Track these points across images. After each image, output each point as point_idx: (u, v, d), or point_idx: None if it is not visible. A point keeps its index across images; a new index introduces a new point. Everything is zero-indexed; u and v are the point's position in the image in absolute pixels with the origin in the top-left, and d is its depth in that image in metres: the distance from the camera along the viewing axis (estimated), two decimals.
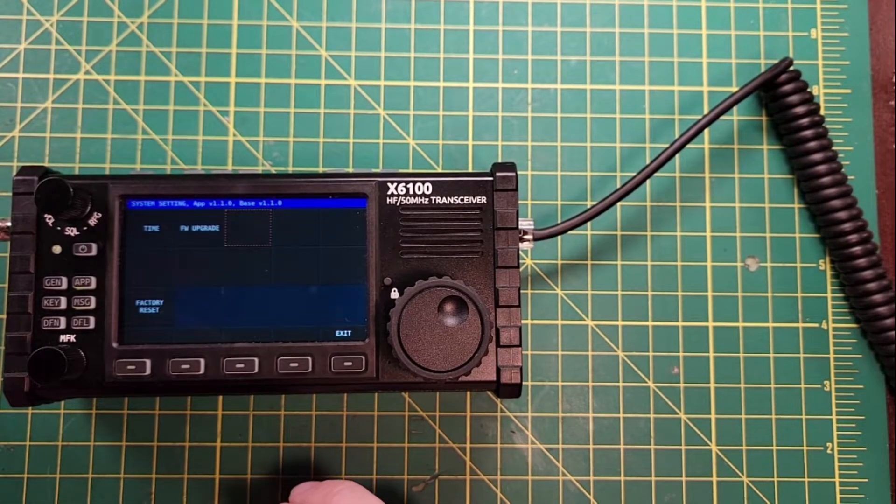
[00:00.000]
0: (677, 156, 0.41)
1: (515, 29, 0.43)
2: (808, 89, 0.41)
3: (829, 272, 0.42)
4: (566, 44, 0.43)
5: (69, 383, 0.33)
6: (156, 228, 0.35)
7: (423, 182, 0.35)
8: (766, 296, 0.42)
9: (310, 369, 0.34)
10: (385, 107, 0.42)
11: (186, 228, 0.35)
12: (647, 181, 0.41)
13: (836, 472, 0.40)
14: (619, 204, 0.40)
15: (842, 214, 0.40)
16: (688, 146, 0.40)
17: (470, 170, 0.42)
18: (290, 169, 0.42)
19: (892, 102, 0.43)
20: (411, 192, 0.35)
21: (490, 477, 0.40)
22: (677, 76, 0.43)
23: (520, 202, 0.39)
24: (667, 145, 0.40)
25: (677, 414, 0.41)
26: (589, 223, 0.40)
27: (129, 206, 0.35)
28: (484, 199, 0.35)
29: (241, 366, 0.34)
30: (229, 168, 0.41)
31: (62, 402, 0.40)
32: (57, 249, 0.34)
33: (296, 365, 0.34)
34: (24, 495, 0.39)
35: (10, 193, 0.34)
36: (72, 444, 0.39)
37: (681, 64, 0.43)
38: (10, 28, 0.42)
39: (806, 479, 0.40)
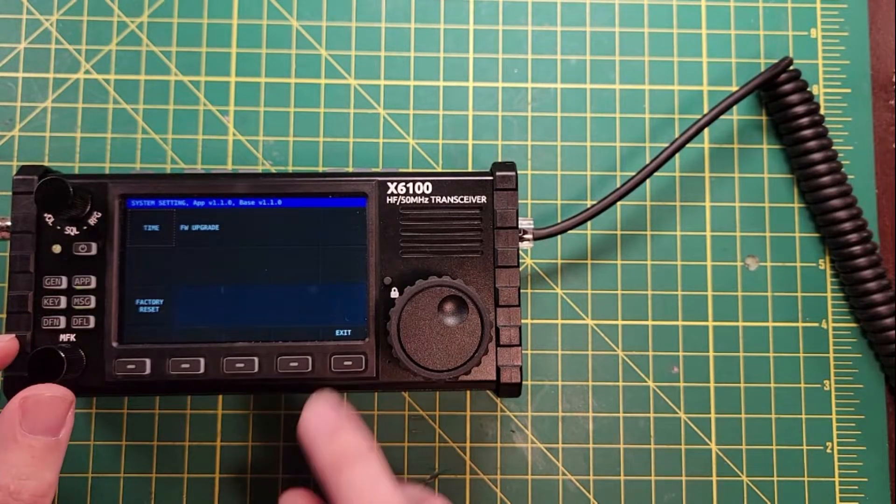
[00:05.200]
0: (677, 155, 0.41)
1: (515, 28, 0.43)
2: (808, 89, 0.41)
3: (828, 271, 0.42)
4: (566, 43, 0.43)
5: (69, 383, 0.33)
6: (155, 228, 0.35)
7: (423, 181, 0.35)
8: (765, 295, 0.42)
9: (310, 369, 0.34)
10: (385, 106, 0.42)
11: (186, 228, 0.35)
12: (647, 181, 0.41)
13: (836, 471, 0.40)
14: (618, 203, 0.40)
15: (841, 214, 0.40)
16: (687, 146, 0.40)
17: (470, 169, 0.42)
18: (290, 168, 0.42)
19: (892, 102, 0.43)
20: (411, 191, 0.35)
21: (490, 476, 0.40)
22: (677, 75, 0.43)
23: (520, 201, 0.39)
24: (667, 145, 0.40)
25: (677, 413, 0.41)
26: (589, 222, 0.40)
27: (129, 206, 0.35)
28: (484, 199, 0.35)
29: (241, 365, 0.34)
30: (229, 167, 0.41)
31: None
32: (57, 249, 0.34)
33: (296, 364, 0.34)
34: None
35: (10, 193, 0.34)
36: (71, 443, 0.39)
37: (680, 63, 0.43)
38: (9, 27, 0.42)
39: (805, 479, 0.40)
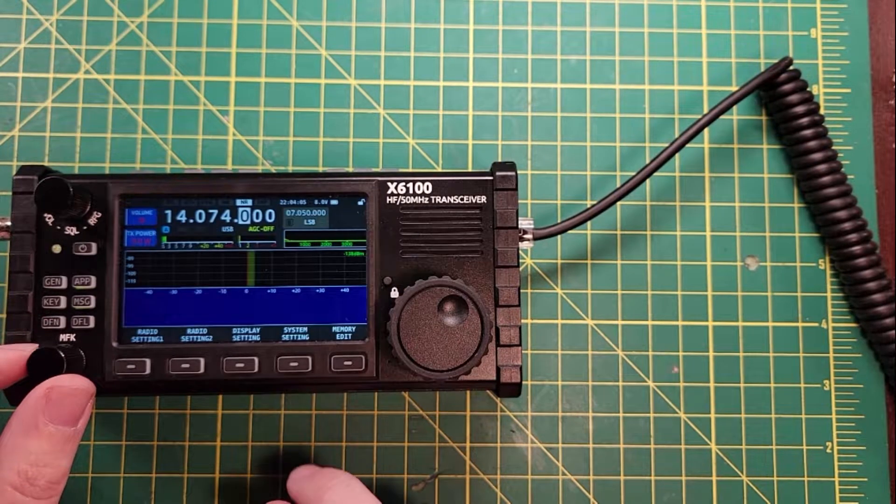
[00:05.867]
0: (677, 155, 0.41)
1: (515, 28, 0.43)
2: (808, 89, 0.41)
3: (828, 271, 0.42)
4: (566, 43, 0.43)
5: None
6: (154, 230, 0.35)
7: (423, 181, 0.35)
8: (765, 295, 0.42)
9: (310, 369, 0.34)
10: (385, 106, 0.42)
11: (186, 228, 0.35)
12: (647, 180, 0.41)
13: (836, 471, 0.40)
14: (618, 203, 0.40)
15: (841, 214, 0.40)
16: (687, 145, 0.40)
17: (470, 169, 0.42)
18: (290, 168, 0.42)
19: (892, 102, 0.43)
20: (411, 191, 0.35)
21: (490, 476, 0.40)
22: (677, 75, 0.43)
23: (520, 201, 0.39)
24: (666, 144, 0.40)
25: (677, 413, 0.41)
26: (589, 222, 0.40)
27: (129, 206, 0.35)
28: (484, 199, 0.35)
29: (241, 365, 0.34)
30: (229, 167, 0.41)
31: None
32: (57, 249, 0.34)
33: (296, 364, 0.34)
34: None
35: (10, 193, 0.34)
36: None
37: (680, 63, 0.43)
38: (9, 27, 0.42)
39: (805, 479, 0.40)
